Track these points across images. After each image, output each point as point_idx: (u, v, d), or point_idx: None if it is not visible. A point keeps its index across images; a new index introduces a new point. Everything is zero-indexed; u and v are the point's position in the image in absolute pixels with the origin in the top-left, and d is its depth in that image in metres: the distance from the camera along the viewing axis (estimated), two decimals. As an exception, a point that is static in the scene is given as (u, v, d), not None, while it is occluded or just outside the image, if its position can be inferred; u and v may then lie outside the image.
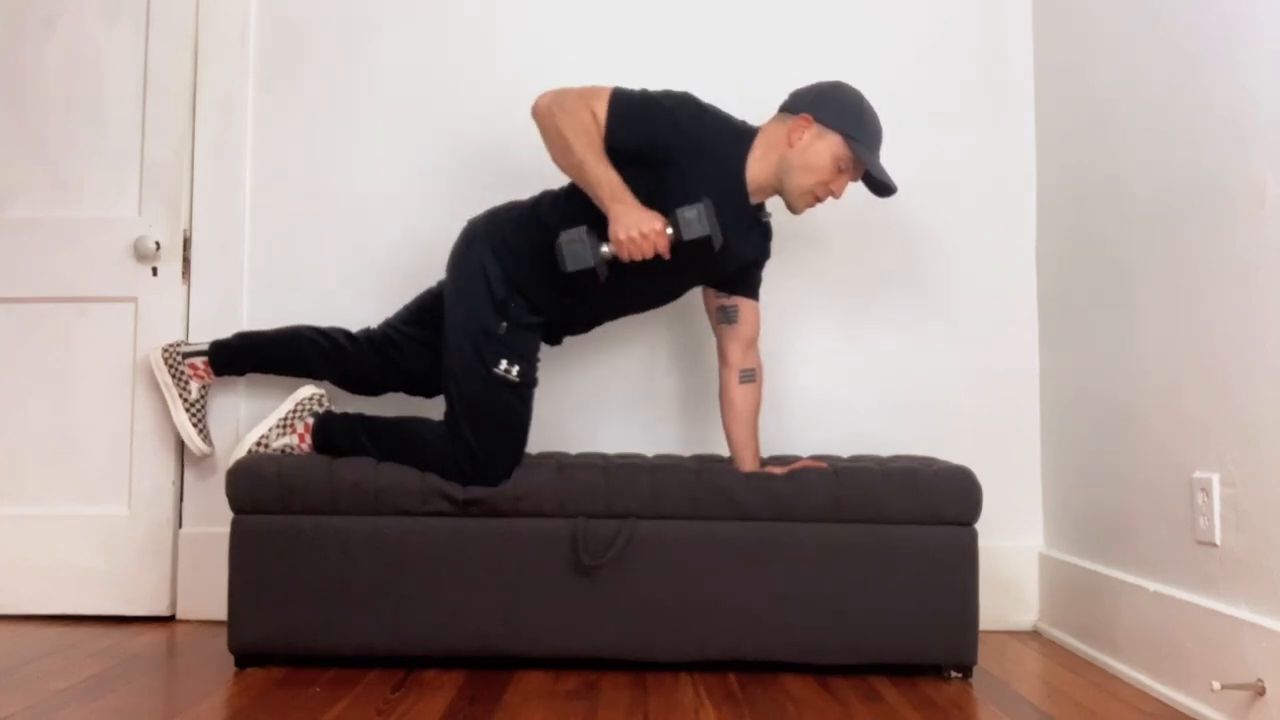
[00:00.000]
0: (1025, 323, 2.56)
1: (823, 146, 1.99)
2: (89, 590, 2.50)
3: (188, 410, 2.39)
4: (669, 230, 1.89)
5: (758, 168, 2.03)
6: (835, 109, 2.01)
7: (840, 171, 2.02)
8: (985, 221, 2.57)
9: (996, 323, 2.56)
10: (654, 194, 1.94)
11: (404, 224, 2.57)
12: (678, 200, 1.91)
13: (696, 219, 1.88)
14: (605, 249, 1.92)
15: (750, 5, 2.60)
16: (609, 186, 1.91)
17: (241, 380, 2.50)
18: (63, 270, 2.55)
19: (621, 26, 2.60)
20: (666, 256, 1.91)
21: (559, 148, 1.96)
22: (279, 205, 2.58)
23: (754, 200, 2.07)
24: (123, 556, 2.51)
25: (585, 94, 1.97)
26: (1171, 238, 1.94)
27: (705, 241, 1.89)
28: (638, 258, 1.89)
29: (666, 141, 1.96)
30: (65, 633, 2.35)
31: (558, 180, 2.13)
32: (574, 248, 1.90)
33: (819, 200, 2.05)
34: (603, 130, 1.95)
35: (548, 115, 1.97)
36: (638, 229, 1.86)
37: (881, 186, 2.03)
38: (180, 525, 2.53)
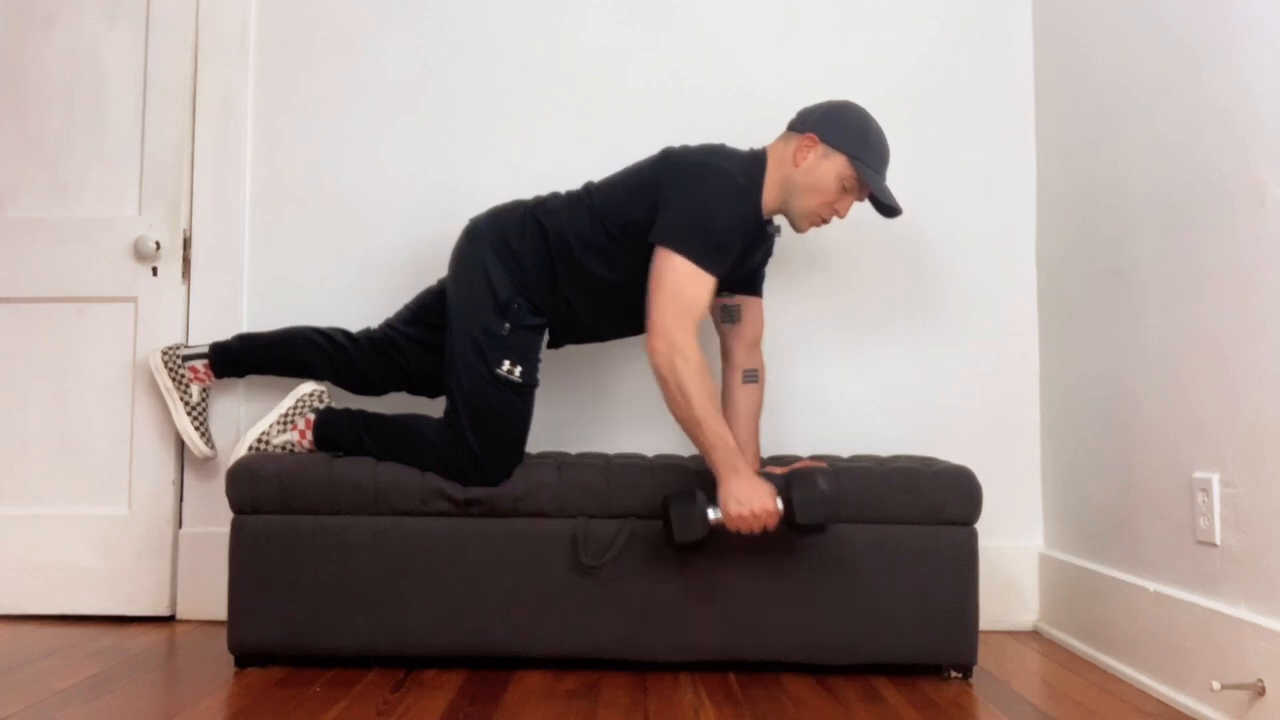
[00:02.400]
0: (1025, 323, 2.56)
1: (827, 167, 1.98)
2: (89, 590, 2.50)
3: (189, 413, 2.39)
4: (779, 504, 1.84)
5: (769, 194, 2.02)
6: (841, 129, 1.99)
7: (845, 192, 2.01)
8: (985, 221, 2.57)
9: (996, 323, 2.56)
10: None
11: (404, 224, 2.57)
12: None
13: (818, 502, 1.82)
14: (712, 514, 1.87)
15: (751, 8, 2.60)
16: (725, 451, 1.86)
17: (241, 381, 2.50)
18: (63, 270, 2.55)
19: (624, 28, 2.59)
20: (773, 531, 1.88)
21: (677, 401, 1.88)
22: (279, 205, 2.58)
23: (766, 217, 2.07)
24: (123, 556, 2.51)
25: (679, 303, 1.89)
26: (1171, 238, 1.94)
27: (818, 528, 1.85)
28: (744, 533, 1.86)
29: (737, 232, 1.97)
30: (65, 633, 2.35)
31: (560, 182, 2.13)
32: (686, 519, 1.84)
33: (824, 221, 2.04)
34: (714, 286, 1.93)
35: (668, 371, 1.88)
36: (749, 508, 1.83)
37: (888, 209, 2.02)
38: (180, 525, 2.53)
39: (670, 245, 1.91)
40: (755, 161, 2.02)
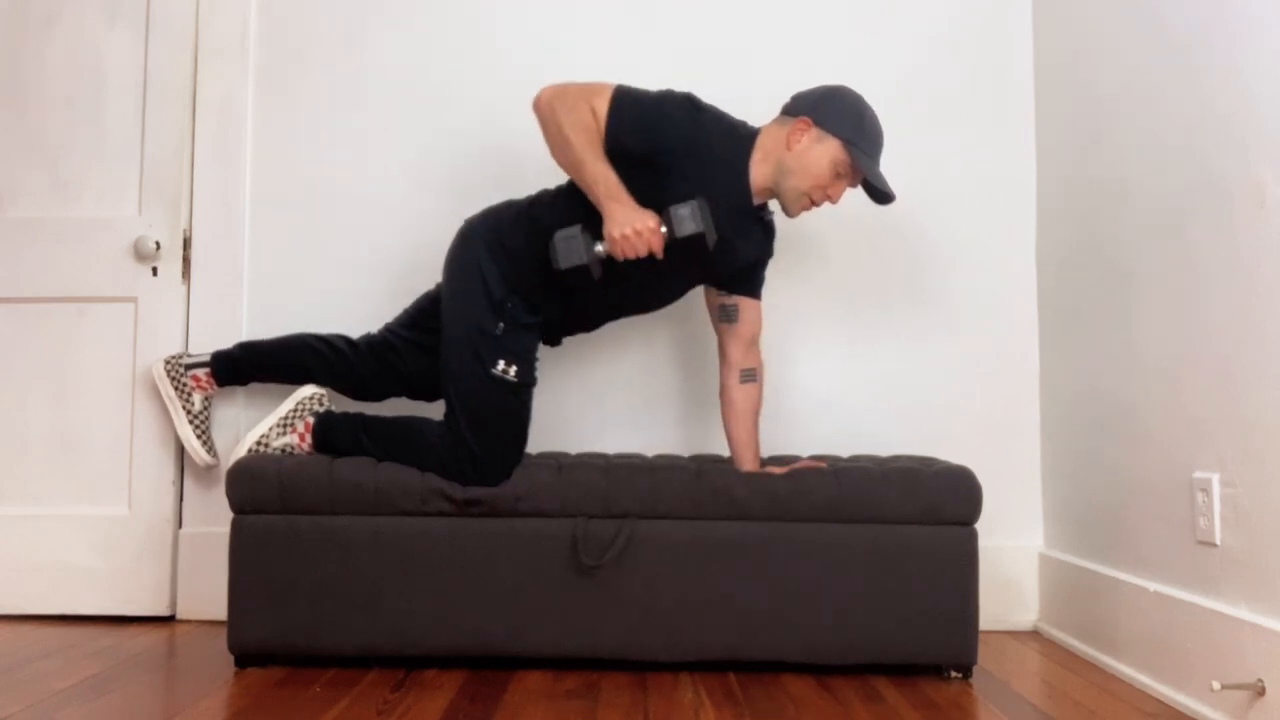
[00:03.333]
0: (1025, 323, 2.56)
1: (821, 151, 1.99)
2: (89, 590, 2.50)
3: (191, 422, 2.39)
4: (663, 229, 1.89)
5: (759, 170, 2.02)
6: (836, 113, 2.00)
7: (838, 177, 2.01)
8: (985, 221, 2.57)
9: (996, 323, 2.56)
10: (655, 196, 1.93)
11: (403, 224, 2.57)
12: (678, 201, 1.90)
13: (690, 216, 1.88)
14: (599, 247, 1.92)
15: (751, 8, 2.60)
16: (605, 185, 1.91)
17: (242, 389, 2.49)
18: (63, 270, 2.55)
19: (622, 25, 2.60)
20: (660, 255, 1.91)
21: (558, 143, 1.96)
22: (279, 205, 2.58)
23: (757, 201, 2.07)
24: (123, 556, 2.51)
25: (587, 90, 1.97)
26: (1171, 238, 1.94)
27: (699, 239, 1.89)
28: (631, 255, 1.89)
29: (668, 144, 1.96)
30: (65, 633, 2.35)
31: (556, 181, 2.14)
32: (568, 244, 1.90)
33: (815, 205, 2.04)
34: (602, 129, 1.95)
35: (548, 110, 1.96)
36: (631, 226, 1.87)
37: (881, 195, 2.02)
38: (180, 525, 2.53)
39: (615, 84, 1.99)
40: (745, 134, 2.04)
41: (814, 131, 1.99)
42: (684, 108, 2.00)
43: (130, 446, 2.52)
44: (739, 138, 2.03)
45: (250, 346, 2.37)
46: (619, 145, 1.95)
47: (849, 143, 1.98)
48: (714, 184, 1.97)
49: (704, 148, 1.98)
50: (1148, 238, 2.03)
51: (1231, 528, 1.75)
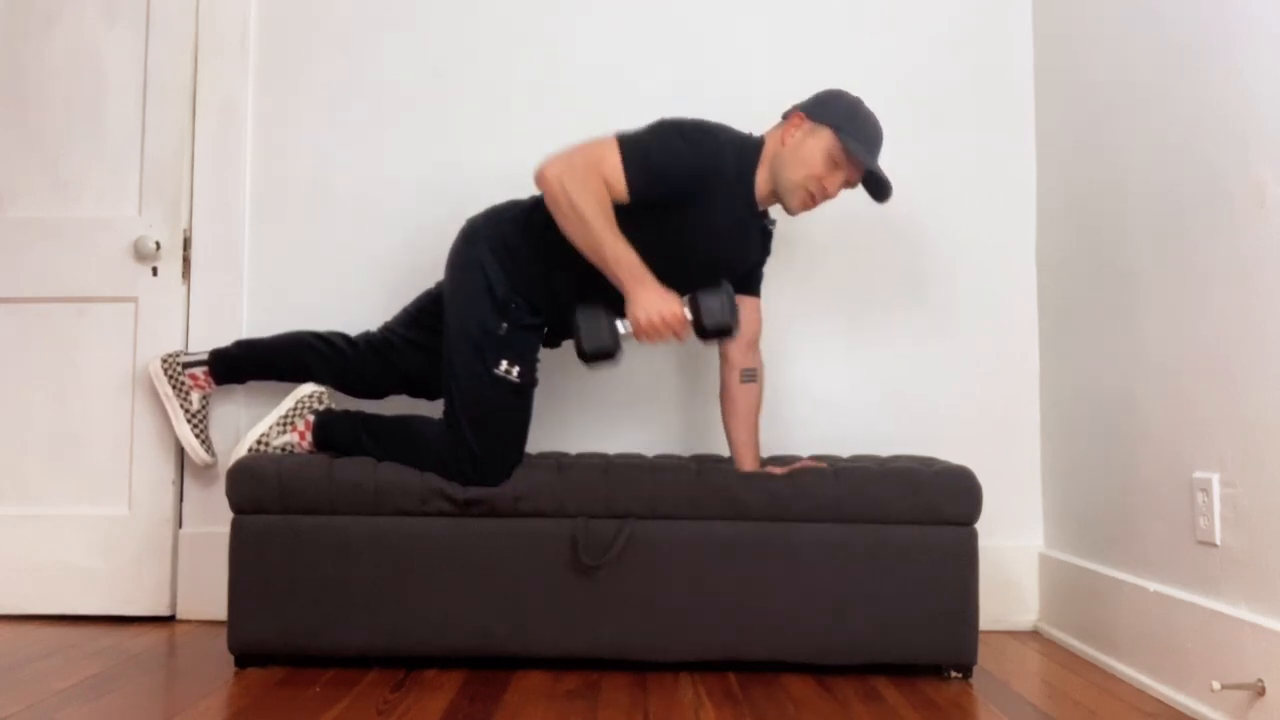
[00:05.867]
0: (1025, 323, 2.56)
1: (814, 142, 1.99)
2: (89, 590, 2.50)
3: (189, 421, 2.39)
4: (688, 313, 1.88)
5: (761, 175, 2.03)
6: (828, 106, 2.02)
7: (834, 168, 2.00)
8: (985, 221, 2.57)
9: (996, 323, 2.56)
10: (671, 229, 1.95)
11: (403, 223, 2.57)
12: (700, 240, 1.90)
13: (720, 308, 1.86)
14: (622, 328, 1.89)
15: (752, 10, 2.60)
16: (628, 267, 1.88)
17: (241, 387, 2.49)
18: (63, 270, 2.55)
19: (626, 27, 2.60)
20: (683, 341, 1.91)
21: (573, 224, 1.90)
22: (279, 205, 2.58)
23: (761, 208, 2.07)
24: (123, 556, 2.51)
25: (593, 158, 1.92)
26: (1171, 238, 1.94)
27: (725, 330, 1.88)
28: (654, 341, 1.88)
29: (688, 185, 1.95)
30: (65, 633, 2.35)
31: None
32: (591, 328, 1.86)
33: (813, 198, 2.03)
34: (625, 191, 1.92)
35: (559, 190, 1.89)
36: (659, 314, 1.85)
37: (878, 186, 2.02)
38: (180, 525, 2.53)
39: (616, 135, 1.96)
40: (751, 146, 2.04)
41: (807, 125, 2.00)
42: (694, 139, 1.97)
43: (130, 446, 2.52)
44: (747, 150, 2.03)
45: (248, 344, 2.37)
46: (643, 200, 1.94)
47: (839, 129, 1.98)
48: (726, 204, 1.99)
49: (717, 171, 1.98)
50: (1148, 238, 2.03)
51: (1231, 528, 1.75)
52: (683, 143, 1.95)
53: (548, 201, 1.93)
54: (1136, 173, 2.07)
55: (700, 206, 1.97)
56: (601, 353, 1.88)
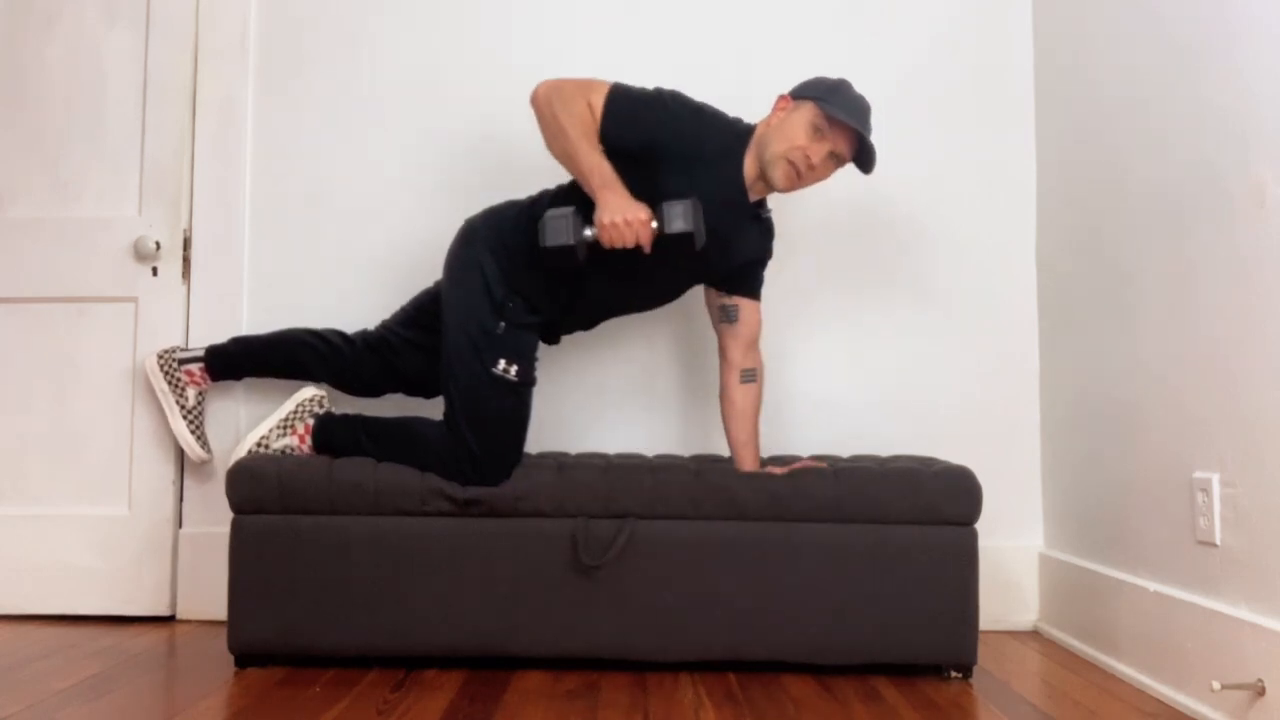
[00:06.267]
0: (1025, 323, 2.56)
1: (797, 117, 2.01)
2: (89, 590, 2.50)
3: (185, 417, 2.38)
4: (654, 223, 1.90)
5: (750, 159, 2.04)
6: (812, 85, 2.05)
7: (818, 137, 1.99)
8: (985, 221, 2.57)
9: (996, 323, 2.56)
10: (649, 192, 1.93)
11: (403, 224, 2.57)
12: (673, 198, 1.91)
13: (681, 214, 1.88)
14: (588, 231, 1.92)
15: (751, 9, 2.60)
16: (600, 174, 1.92)
17: (240, 384, 2.49)
18: (63, 270, 2.55)
19: (622, 26, 2.60)
20: (647, 248, 1.91)
21: (553, 135, 1.97)
22: (279, 205, 2.58)
23: (753, 197, 2.07)
24: (123, 556, 2.51)
25: (584, 85, 1.99)
26: (1171, 238, 1.94)
27: (687, 238, 1.89)
28: (618, 244, 1.89)
29: (662, 140, 1.97)
30: (65, 633, 2.35)
31: (557, 181, 2.13)
32: (556, 224, 1.90)
33: (797, 171, 2.00)
34: (598, 124, 1.96)
35: (545, 103, 1.97)
36: (622, 215, 1.87)
37: (864, 153, 2.01)
38: (180, 525, 2.53)
39: (611, 81, 2.01)
40: (741, 130, 2.05)
41: (791, 103, 2.04)
42: (681, 105, 2.01)
43: (130, 446, 2.52)
44: (735, 134, 2.04)
45: (245, 341, 2.37)
46: (614, 140, 1.96)
47: (820, 100, 1.99)
48: (709, 179, 1.98)
49: (699, 143, 1.99)
50: (1147, 238, 2.03)
51: (1231, 528, 1.75)
52: (669, 106, 2.00)
53: (535, 115, 2.00)
54: (1136, 173, 2.07)
55: (677, 177, 1.96)
56: (561, 250, 1.90)
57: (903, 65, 2.58)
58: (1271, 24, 1.66)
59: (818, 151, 2.00)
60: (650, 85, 2.05)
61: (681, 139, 1.98)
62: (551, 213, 1.92)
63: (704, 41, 2.58)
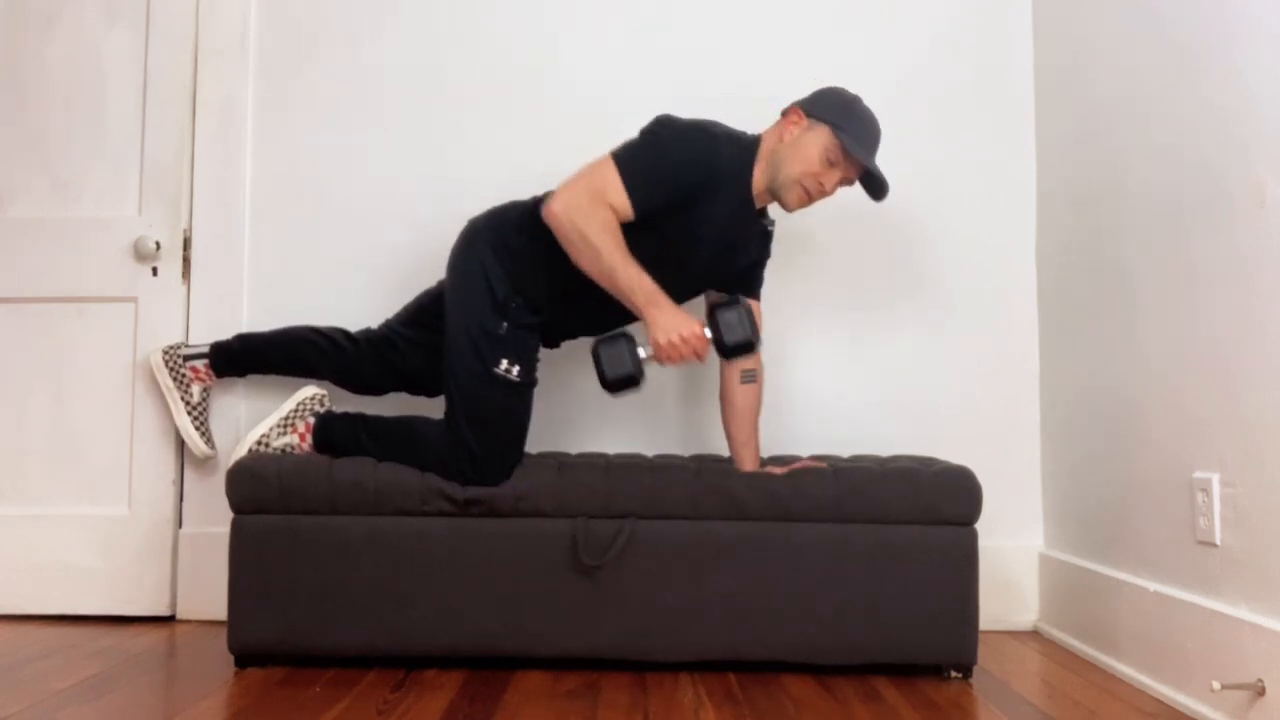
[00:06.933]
0: (1025, 322, 2.56)
1: (811, 138, 2.00)
2: (89, 590, 2.50)
3: (190, 413, 2.39)
4: (707, 332, 1.88)
5: (759, 171, 2.04)
6: (825, 102, 2.03)
7: (831, 165, 2.00)
8: (985, 221, 2.57)
9: (996, 322, 2.56)
10: (681, 229, 1.96)
11: (403, 224, 2.57)
12: (702, 239, 1.91)
13: (738, 322, 1.87)
14: (643, 352, 1.90)
15: (751, 9, 2.60)
16: (643, 292, 1.89)
17: (242, 381, 2.49)
18: (63, 270, 2.55)
19: (624, 26, 2.59)
20: (703, 360, 1.91)
21: (585, 255, 1.92)
22: (279, 205, 2.58)
23: (758, 205, 2.08)
24: (123, 556, 2.51)
25: (596, 189, 1.93)
26: (1171, 238, 1.94)
27: (748, 345, 1.88)
28: (677, 362, 1.88)
29: (690, 187, 1.96)
30: (65, 633, 2.35)
31: (558, 181, 2.13)
32: (612, 355, 1.87)
33: (809, 195, 2.03)
34: (630, 211, 1.93)
35: (568, 225, 1.92)
36: (678, 334, 1.86)
37: (876, 185, 2.02)
38: (180, 525, 2.53)
39: (612, 154, 1.97)
40: (748, 142, 2.05)
41: (804, 121, 2.02)
42: (687, 139, 1.98)
43: (130, 446, 2.52)
44: (743, 148, 2.04)
45: (248, 338, 2.38)
46: (651, 210, 1.95)
47: (836, 126, 1.99)
48: (727, 198, 2.00)
49: (720, 176, 1.99)
50: (1147, 238, 2.03)
51: (1231, 528, 1.75)
52: (679, 146, 1.97)
53: (559, 237, 1.94)
54: (1136, 173, 2.07)
55: (703, 205, 1.98)
56: (625, 379, 1.88)
57: (903, 65, 2.58)
58: (1271, 24, 1.66)
59: (831, 180, 2.02)
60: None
61: (700, 176, 1.97)
62: (604, 344, 1.88)
63: (704, 41, 2.58)
